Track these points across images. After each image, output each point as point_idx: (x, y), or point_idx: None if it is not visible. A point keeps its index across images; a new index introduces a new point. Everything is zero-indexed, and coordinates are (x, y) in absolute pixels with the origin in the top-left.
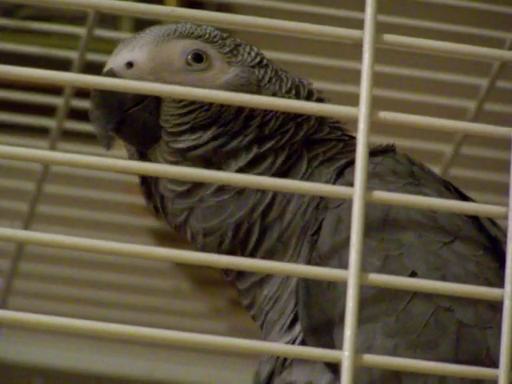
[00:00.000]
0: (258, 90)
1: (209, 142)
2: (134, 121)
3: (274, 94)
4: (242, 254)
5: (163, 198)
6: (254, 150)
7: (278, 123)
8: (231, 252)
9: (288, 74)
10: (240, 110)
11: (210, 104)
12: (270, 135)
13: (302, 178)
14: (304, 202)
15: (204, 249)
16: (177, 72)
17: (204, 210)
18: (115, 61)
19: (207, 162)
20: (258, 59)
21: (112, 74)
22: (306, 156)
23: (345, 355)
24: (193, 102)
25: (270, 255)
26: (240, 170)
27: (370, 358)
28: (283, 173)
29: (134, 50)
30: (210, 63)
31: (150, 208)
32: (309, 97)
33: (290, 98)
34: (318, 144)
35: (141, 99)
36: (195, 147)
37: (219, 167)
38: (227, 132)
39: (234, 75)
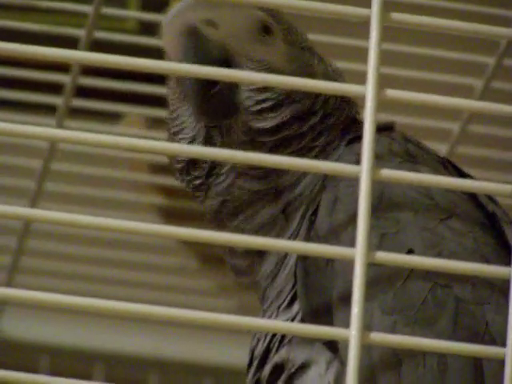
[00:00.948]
0: (312, 70)
1: (289, 121)
2: (218, 99)
3: (325, 75)
4: (246, 218)
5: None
6: (318, 128)
7: (335, 103)
8: (234, 214)
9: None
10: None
11: None
12: (331, 112)
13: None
14: (315, 178)
15: (219, 207)
16: (252, 41)
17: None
18: (195, 16)
19: (276, 143)
20: (307, 42)
21: (197, 32)
22: (340, 135)
23: (352, 333)
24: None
25: (269, 224)
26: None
27: (377, 336)
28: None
29: (215, 7)
30: (274, 38)
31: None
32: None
33: (335, 79)
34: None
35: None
36: (276, 128)
37: (286, 146)
38: (302, 110)
39: (291, 54)
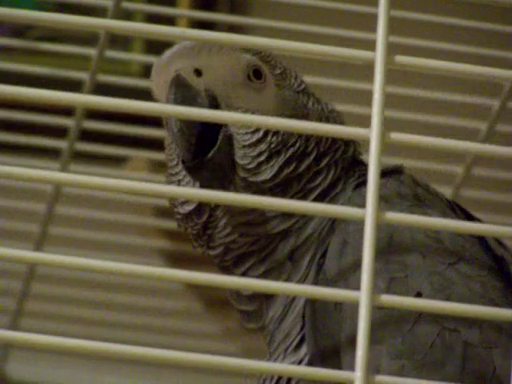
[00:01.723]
0: (307, 114)
1: (283, 167)
2: (214, 165)
3: (320, 118)
4: (252, 264)
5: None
6: (314, 169)
7: (330, 142)
8: (240, 261)
9: (323, 101)
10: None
11: None
12: (325, 152)
13: (336, 195)
14: (323, 222)
15: (223, 253)
16: (240, 86)
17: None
18: (182, 65)
19: (274, 188)
20: (302, 86)
21: (182, 80)
22: (344, 174)
23: (357, 376)
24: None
25: (276, 270)
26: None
27: (382, 379)
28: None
29: (201, 55)
30: (265, 82)
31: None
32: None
33: (333, 118)
34: (356, 164)
35: None
36: (275, 175)
37: (284, 190)
38: (295, 154)
39: (283, 99)
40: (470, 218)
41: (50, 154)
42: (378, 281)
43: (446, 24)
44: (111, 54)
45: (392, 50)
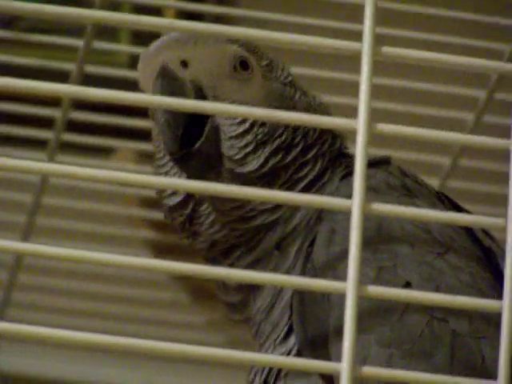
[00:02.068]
0: (294, 105)
1: (270, 158)
2: (199, 155)
3: (307, 110)
4: (239, 255)
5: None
6: (300, 160)
7: (317, 134)
8: (228, 251)
9: (311, 94)
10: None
11: None
12: (312, 143)
13: (322, 185)
14: (310, 212)
15: (211, 244)
16: (226, 77)
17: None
18: (168, 56)
19: (261, 179)
20: (289, 78)
21: (169, 71)
22: (331, 165)
23: (343, 366)
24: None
25: (263, 260)
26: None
27: (369, 370)
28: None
29: (187, 46)
30: (252, 74)
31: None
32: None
33: (320, 110)
34: (340, 155)
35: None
36: (261, 165)
37: (270, 181)
38: (281, 145)
39: (270, 90)
40: (458, 208)
41: (37, 144)
42: (367, 270)
43: (433, 15)
44: (98, 44)
45: (379, 41)
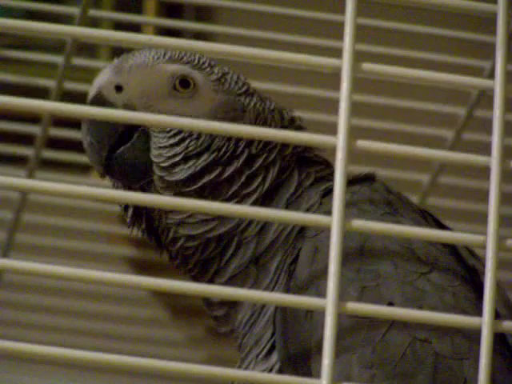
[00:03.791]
0: (242, 116)
1: (204, 170)
2: (123, 160)
3: (257, 117)
4: (214, 272)
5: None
6: (246, 172)
7: (264, 141)
8: (204, 268)
9: (273, 102)
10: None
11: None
12: (258, 153)
13: (291, 197)
14: (286, 228)
15: (183, 260)
16: (164, 97)
17: (192, 223)
18: (103, 83)
19: (201, 192)
20: (244, 88)
21: (101, 97)
22: (297, 174)
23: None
24: (181, 131)
25: (240, 276)
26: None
27: None
28: (274, 189)
29: (123, 72)
30: (196, 90)
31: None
32: (291, 122)
33: (273, 118)
34: (309, 163)
35: (129, 128)
36: (192, 178)
37: (213, 193)
38: (220, 158)
39: (219, 103)
40: (440, 226)
41: (17, 161)
42: (350, 289)
43: (413, 32)
44: (78, 61)
45: (359, 58)
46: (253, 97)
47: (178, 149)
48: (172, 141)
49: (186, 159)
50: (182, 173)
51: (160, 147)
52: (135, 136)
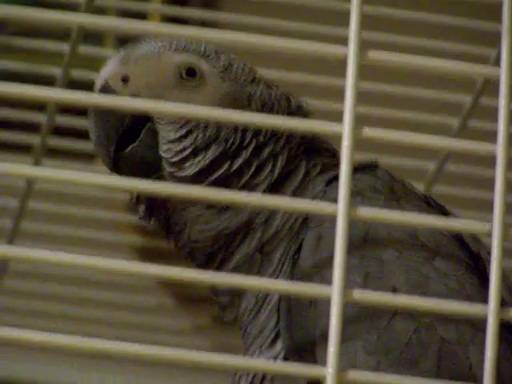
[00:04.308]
0: (248, 104)
1: (214, 164)
2: (132, 159)
3: (264, 104)
4: (222, 260)
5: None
6: (255, 162)
7: (271, 130)
8: (211, 257)
9: (280, 89)
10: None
11: (206, 122)
12: (266, 142)
13: (298, 187)
14: (291, 216)
15: (191, 250)
16: (171, 87)
17: (207, 217)
18: (110, 74)
19: (212, 185)
20: (251, 76)
21: (107, 88)
22: (305, 164)
23: (328, 371)
24: (189, 122)
25: (246, 264)
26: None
27: (354, 375)
28: (282, 179)
29: (129, 63)
30: (203, 79)
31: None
32: (299, 109)
33: (280, 105)
34: (317, 153)
35: (136, 121)
36: (202, 172)
37: (223, 186)
38: (228, 149)
39: (226, 92)
40: (445, 213)
41: (22, 149)
42: (354, 276)
43: (419, 20)
44: (84, 49)
45: (365, 46)
46: (259, 85)
47: (186, 142)
48: (180, 133)
49: (195, 153)
50: (192, 168)
51: (169, 141)
52: (142, 133)
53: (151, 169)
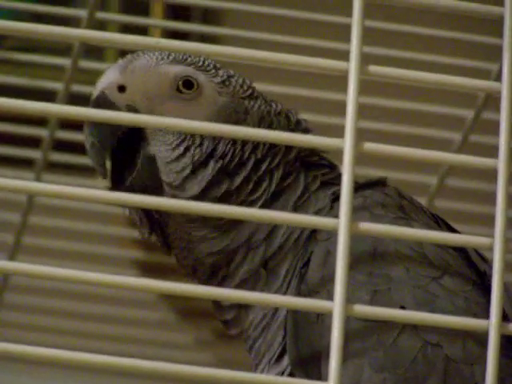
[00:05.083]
0: (245, 118)
1: (214, 181)
2: (132, 188)
3: (262, 118)
4: (223, 277)
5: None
6: (253, 178)
7: (268, 145)
8: (213, 273)
9: (279, 105)
10: (233, 139)
11: (202, 137)
12: (263, 157)
13: (299, 200)
14: (295, 230)
15: (193, 267)
16: (167, 98)
17: (212, 239)
18: (106, 83)
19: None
20: (249, 91)
21: (104, 97)
22: (303, 177)
23: None
24: (184, 140)
25: (250, 280)
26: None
27: None
28: (279, 194)
29: (126, 72)
30: (200, 91)
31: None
32: (297, 125)
33: (278, 121)
34: (315, 167)
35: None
36: (204, 192)
37: (222, 203)
38: (228, 166)
39: (222, 105)
40: (452, 231)
41: (24, 164)
42: (362, 293)
43: (421, 34)
44: (85, 64)
45: (366, 60)
46: (257, 100)
47: (185, 159)
48: (177, 152)
49: (194, 171)
50: (194, 188)
51: (167, 162)
52: (139, 162)
53: (153, 193)
